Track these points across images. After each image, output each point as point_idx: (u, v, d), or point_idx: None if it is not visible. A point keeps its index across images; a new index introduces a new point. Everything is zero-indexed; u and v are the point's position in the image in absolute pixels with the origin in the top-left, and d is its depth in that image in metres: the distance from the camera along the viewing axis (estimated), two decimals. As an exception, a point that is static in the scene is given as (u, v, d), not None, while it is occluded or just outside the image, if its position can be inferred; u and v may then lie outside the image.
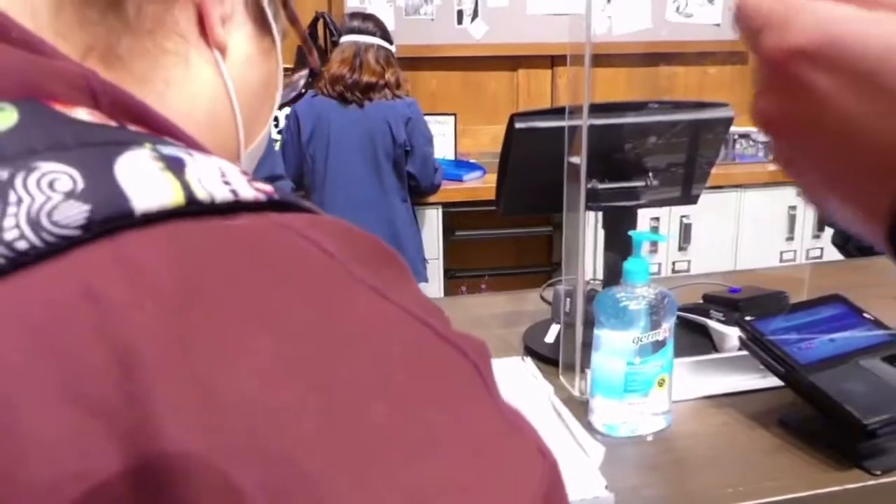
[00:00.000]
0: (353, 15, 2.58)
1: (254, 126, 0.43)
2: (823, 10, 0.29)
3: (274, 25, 0.42)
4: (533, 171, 1.15)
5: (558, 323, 1.16)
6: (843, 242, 2.34)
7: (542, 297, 1.37)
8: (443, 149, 2.96)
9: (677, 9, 3.23)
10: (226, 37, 0.39)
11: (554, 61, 3.22)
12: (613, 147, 1.11)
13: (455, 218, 2.90)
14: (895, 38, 0.26)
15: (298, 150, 2.46)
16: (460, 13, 3.11)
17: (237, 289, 0.26)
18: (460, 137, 3.08)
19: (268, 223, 0.28)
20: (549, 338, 1.18)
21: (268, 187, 0.30)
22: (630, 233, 0.95)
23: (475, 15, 3.11)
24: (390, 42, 2.49)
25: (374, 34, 2.44)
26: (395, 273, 0.30)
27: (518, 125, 1.10)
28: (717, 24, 3.21)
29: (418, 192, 2.61)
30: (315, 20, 2.92)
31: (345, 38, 2.46)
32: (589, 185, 1.08)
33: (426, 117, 2.57)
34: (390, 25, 3.03)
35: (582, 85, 1.03)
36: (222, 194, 0.28)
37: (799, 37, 0.29)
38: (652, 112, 1.13)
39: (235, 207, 0.28)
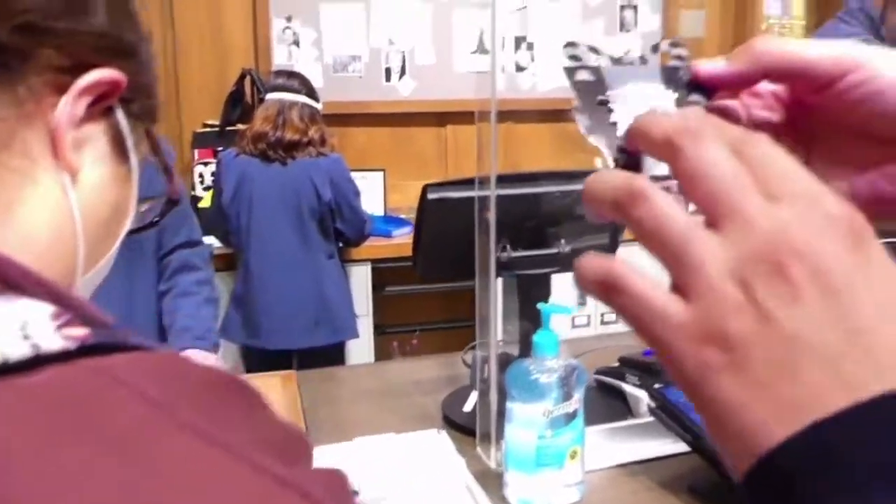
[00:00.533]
0: (279, 73, 2.58)
1: (96, 251, 0.42)
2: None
3: (133, 154, 0.42)
4: (447, 240, 1.16)
5: (477, 390, 1.16)
6: None
7: (464, 361, 1.37)
8: (372, 204, 2.96)
9: (598, 67, 3.35)
10: (79, 161, 0.39)
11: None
12: (524, 215, 1.13)
13: (384, 274, 2.89)
14: None
15: (220, 210, 2.43)
16: (388, 70, 3.15)
17: (32, 455, 0.24)
18: (389, 192, 3.09)
19: (78, 373, 0.27)
20: (468, 406, 1.18)
21: (82, 332, 0.29)
22: (539, 305, 0.96)
23: (403, 72, 3.16)
24: (316, 100, 2.49)
25: (299, 92, 2.44)
26: (235, 408, 0.29)
27: (430, 196, 1.11)
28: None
29: (348, 243, 2.60)
30: (242, 77, 2.92)
31: (269, 96, 2.46)
32: (500, 254, 1.09)
33: (355, 173, 2.57)
34: (318, 83, 3.05)
35: (499, 142, 1.05)
36: (19, 352, 0.27)
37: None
38: (562, 181, 1.16)
39: (40, 361, 0.27)
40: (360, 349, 2.77)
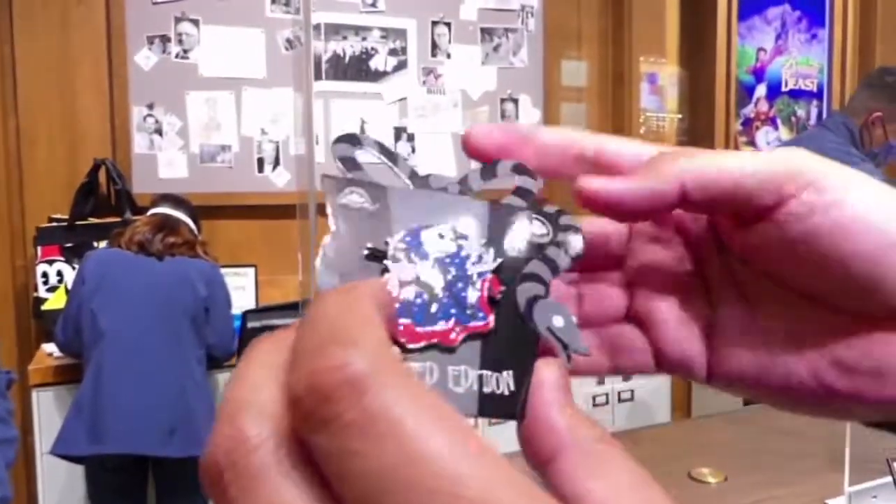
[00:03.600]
0: (166, 196, 2.48)
1: None
2: None
3: None
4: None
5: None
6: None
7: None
8: (244, 302, 2.73)
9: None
10: None
11: (361, 209, 3.16)
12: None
13: (254, 379, 2.65)
14: None
15: (78, 307, 2.18)
16: (261, 161, 2.99)
17: None
18: (263, 288, 2.87)
19: None
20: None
21: None
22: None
23: (277, 163, 3.01)
24: (199, 231, 2.43)
25: (185, 215, 2.38)
26: None
27: (251, 325, 0.94)
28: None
29: (215, 360, 2.37)
30: (96, 167, 2.68)
31: (155, 210, 2.36)
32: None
33: (225, 269, 2.41)
34: (183, 173, 2.87)
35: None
36: None
37: None
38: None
39: None
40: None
